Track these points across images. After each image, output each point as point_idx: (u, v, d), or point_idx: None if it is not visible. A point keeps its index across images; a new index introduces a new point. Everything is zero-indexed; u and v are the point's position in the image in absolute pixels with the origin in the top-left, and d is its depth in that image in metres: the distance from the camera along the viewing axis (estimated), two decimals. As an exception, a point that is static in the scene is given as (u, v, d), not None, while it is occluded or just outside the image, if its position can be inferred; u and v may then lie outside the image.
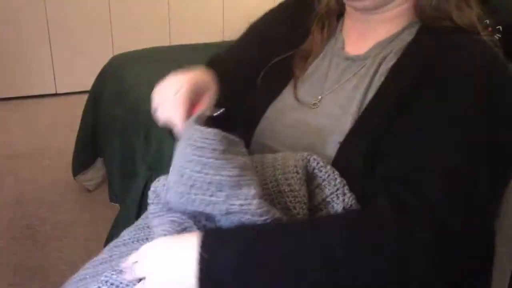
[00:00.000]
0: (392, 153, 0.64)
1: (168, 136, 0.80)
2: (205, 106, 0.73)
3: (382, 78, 0.73)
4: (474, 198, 0.59)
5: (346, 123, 0.72)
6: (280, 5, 0.96)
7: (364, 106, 0.72)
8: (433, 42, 0.71)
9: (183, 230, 0.62)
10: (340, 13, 0.87)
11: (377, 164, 0.66)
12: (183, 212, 0.64)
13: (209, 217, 0.63)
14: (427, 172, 0.60)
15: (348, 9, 0.84)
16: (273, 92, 0.85)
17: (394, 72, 0.72)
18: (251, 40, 0.95)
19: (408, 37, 0.76)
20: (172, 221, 0.63)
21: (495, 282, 0.61)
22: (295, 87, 0.83)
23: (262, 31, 0.94)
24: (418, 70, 0.69)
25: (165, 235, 0.62)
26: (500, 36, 2.38)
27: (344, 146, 0.70)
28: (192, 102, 0.71)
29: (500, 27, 2.37)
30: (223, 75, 0.84)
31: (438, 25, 0.73)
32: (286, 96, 0.83)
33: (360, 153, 0.68)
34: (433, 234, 0.56)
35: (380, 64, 0.75)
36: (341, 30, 0.86)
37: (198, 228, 0.63)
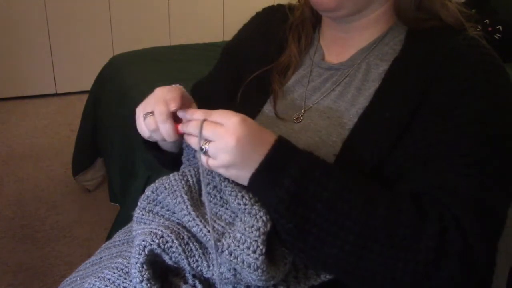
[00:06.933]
0: (415, 170, 0.64)
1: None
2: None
3: (376, 85, 0.71)
4: (497, 222, 0.61)
5: (336, 135, 0.70)
6: (252, 20, 0.94)
7: (354, 115, 0.70)
8: (426, 49, 0.69)
9: (164, 244, 0.63)
10: (315, 22, 0.85)
11: (386, 173, 0.65)
12: (167, 226, 0.65)
13: (192, 235, 0.64)
14: (461, 198, 0.59)
15: (325, 19, 0.82)
16: (254, 109, 0.81)
17: (389, 81, 0.70)
18: (226, 61, 0.94)
19: (391, 40, 0.75)
20: (154, 233, 0.64)
21: (494, 280, 0.61)
22: (274, 103, 0.79)
23: (236, 50, 0.92)
24: (418, 80, 0.67)
25: (144, 246, 0.63)
26: (500, 36, 2.39)
27: (342, 158, 0.68)
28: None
29: (500, 27, 2.38)
30: (204, 100, 0.84)
31: (425, 26, 0.72)
32: (268, 112, 0.80)
33: (362, 164, 0.66)
34: (458, 260, 0.57)
35: (367, 71, 0.73)
36: (319, 40, 0.84)
37: (179, 245, 0.63)
